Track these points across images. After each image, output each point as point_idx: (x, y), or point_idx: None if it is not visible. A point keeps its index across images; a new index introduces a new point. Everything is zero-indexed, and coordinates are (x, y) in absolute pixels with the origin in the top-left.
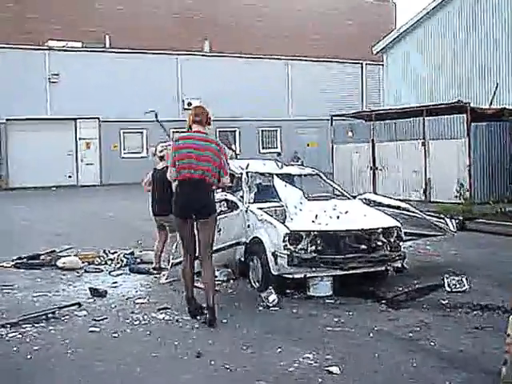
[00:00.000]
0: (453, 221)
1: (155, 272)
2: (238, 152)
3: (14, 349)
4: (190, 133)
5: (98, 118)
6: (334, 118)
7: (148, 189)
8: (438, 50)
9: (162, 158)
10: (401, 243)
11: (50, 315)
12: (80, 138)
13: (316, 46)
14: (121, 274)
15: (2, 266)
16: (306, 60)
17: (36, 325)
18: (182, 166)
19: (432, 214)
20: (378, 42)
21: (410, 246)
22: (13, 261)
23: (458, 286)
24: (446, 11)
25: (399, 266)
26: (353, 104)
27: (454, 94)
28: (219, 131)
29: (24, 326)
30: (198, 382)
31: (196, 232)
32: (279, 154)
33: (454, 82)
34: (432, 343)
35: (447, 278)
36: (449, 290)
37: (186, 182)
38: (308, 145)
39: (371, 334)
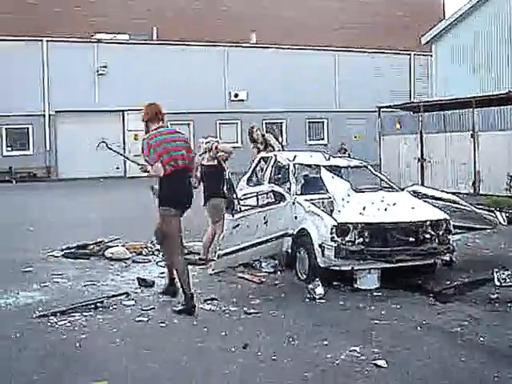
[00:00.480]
0: (503, 214)
1: (201, 263)
2: (284, 144)
3: (64, 336)
4: (160, 129)
5: None
6: (381, 109)
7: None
8: (489, 39)
9: (206, 151)
10: (449, 236)
11: (98, 304)
12: (128, 130)
13: (364, 36)
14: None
15: (52, 256)
16: (353, 51)
17: (85, 313)
18: (166, 160)
19: (481, 206)
20: (427, 32)
21: (459, 239)
22: (62, 250)
23: (507, 280)
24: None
25: (448, 259)
26: (400, 95)
27: (505, 85)
28: (266, 123)
29: (73, 314)
30: (244, 373)
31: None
32: (325, 145)
33: (506, 72)
34: (481, 338)
35: (497, 272)
36: (498, 284)
37: (174, 174)
38: (355, 137)
39: (419, 328)
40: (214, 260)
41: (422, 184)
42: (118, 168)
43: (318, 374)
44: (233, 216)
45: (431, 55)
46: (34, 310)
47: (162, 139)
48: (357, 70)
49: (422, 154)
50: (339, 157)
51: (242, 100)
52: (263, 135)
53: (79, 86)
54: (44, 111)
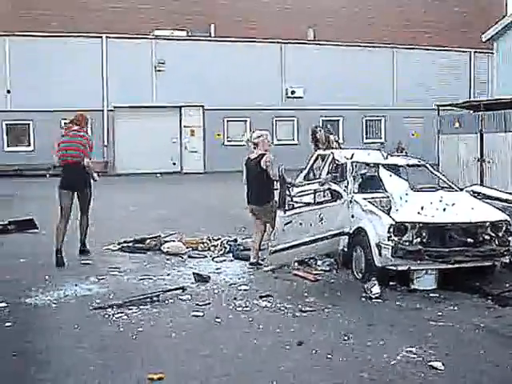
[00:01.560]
0: None
1: (252, 267)
2: (340, 141)
3: (120, 329)
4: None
5: (203, 106)
6: (440, 107)
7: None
8: None
9: (256, 146)
10: (509, 238)
11: (154, 298)
12: (185, 126)
13: (423, 33)
14: (224, 261)
15: (109, 249)
16: (412, 48)
17: (141, 307)
18: (62, 154)
19: None
20: (488, 29)
21: None
22: (119, 244)
23: None
24: None
25: (507, 261)
26: (460, 94)
27: None
28: (323, 120)
29: (130, 307)
30: (299, 371)
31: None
32: (382, 143)
33: None
34: None
35: None
36: None
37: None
38: (413, 134)
39: (476, 331)
40: (263, 262)
41: (482, 185)
42: (174, 164)
43: (374, 374)
44: (284, 213)
45: (492, 53)
46: (92, 303)
47: (63, 140)
48: (416, 68)
49: (481, 154)
50: (397, 155)
51: (299, 97)
52: (327, 136)
53: (137, 81)
54: (103, 107)
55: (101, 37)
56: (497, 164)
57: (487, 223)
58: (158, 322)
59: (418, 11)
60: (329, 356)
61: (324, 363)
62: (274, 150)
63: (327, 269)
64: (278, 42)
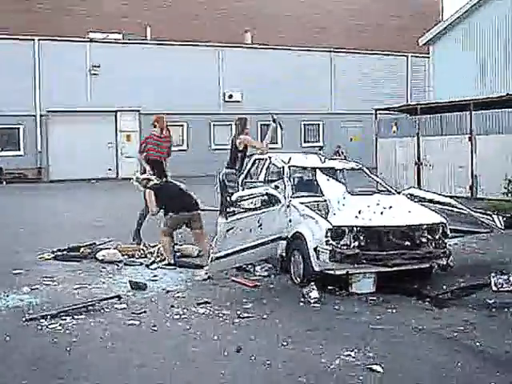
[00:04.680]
0: (500, 217)
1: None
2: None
3: (54, 340)
4: None
5: (139, 111)
6: (378, 111)
7: None
8: (487, 41)
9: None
10: (446, 240)
11: (89, 307)
12: (120, 131)
13: (361, 37)
14: (159, 268)
15: (43, 258)
16: (350, 52)
17: (76, 317)
18: None
19: (478, 210)
20: (425, 33)
21: (456, 243)
22: (53, 253)
23: (504, 285)
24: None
25: (444, 263)
26: (397, 97)
27: (504, 88)
28: (261, 124)
29: (64, 317)
30: (237, 378)
31: None
32: (321, 147)
33: (505, 74)
34: (477, 343)
35: (494, 276)
36: (495, 289)
37: None
38: (351, 139)
39: (414, 333)
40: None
41: (419, 187)
42: (110, 169)
43: (313, 380)
44: (226, 219)
45: (429, 57)
46: (24, 313)
47: None
48: (353, 72)
49: (418, 157)
50: (334, 159)
51: (237, 101)
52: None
53: (71, 85)
54: (35, 111)
55: (33, 39)
56: (433, 167)
57: (424, 226)
58: (93, 332)
59: (355, 15)
60: (267, 362)
61: (263, 369)
62: (214, 154)
63: (266, 274)
64: (215, 46)
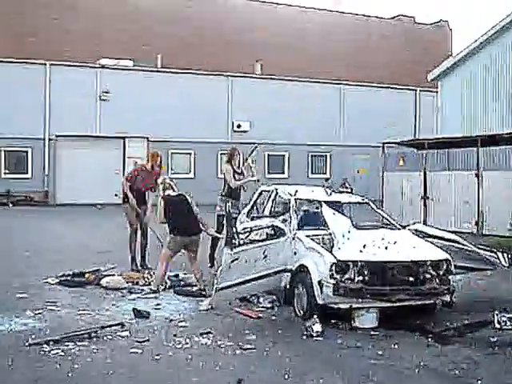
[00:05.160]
0: (505, 255)
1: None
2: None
3: (57, 366)
4: None
5: (147, 138)
6: (385, 145)
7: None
8: (496, 78)
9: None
10: (450, 277)
11: (92, 334)
12: (128, 157)
13: (370, 70)
14: (156, 298)
15: (47, 283)
16: (359, 85)
17: (78, 343)
18: None
19: (483, 247)
20: (434, 68)
21: (460, 280)
22: (57, 278)
23: (508, 323)
24: (507, 37)
25: (448, 299)
26: (405, 132)
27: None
28: (268, 155)
29: (66, 343)
30: None
31: None
32: (327, 179)
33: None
34: (479, 382)
35: (497, 314)
36: (498, 327)
37: None
38: (358, 171)
39: (417, 369)
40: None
41: (425, 222)
42: (116, 195)
43: None
44: (231, 250)
45: (437, 92)
46: (27, 338)
47: None
48: (362, 105)
49: (425, 192)
50: (341, 192)
51: (245, 131)
52: (245, 159)
53: (81, 110)
54: (44, 135)
55: (45, 64)
56: (440, 202)
57: (428, 262)
58: (96, 359)
59: (365, 49)
60: None
61: None
62: (219, 184)
63: (269, 306)
64: (225, 75)
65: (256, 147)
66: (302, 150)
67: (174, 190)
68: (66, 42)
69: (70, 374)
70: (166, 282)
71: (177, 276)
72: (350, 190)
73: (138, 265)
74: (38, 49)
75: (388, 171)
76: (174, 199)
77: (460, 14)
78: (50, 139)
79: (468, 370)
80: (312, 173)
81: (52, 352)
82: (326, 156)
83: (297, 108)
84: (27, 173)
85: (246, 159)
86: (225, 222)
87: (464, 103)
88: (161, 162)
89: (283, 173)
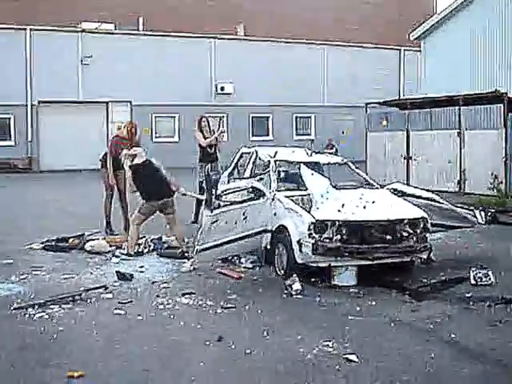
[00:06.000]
0: (482, 213)
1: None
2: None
3: (41, 328)
4: None
5: (130, 102)
6: (368, 105)
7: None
8: (480, 37)
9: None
10: (427, 234)
11: (76, 297)
12: (112, 122)
13: (353, 31)
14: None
15: (32, 248)
16: (342, 45)
17: (63, 306)
18: None
19: (461, 205)
20: (416, 27)
21: (438, 238)
22: (42, 243)
23: (483, 279)
24: None
25: (425, 257)
26: (390, 91)
27: (497, 83)
28: (252, 117)
29: (51, 306)
30: (217, 365)
31: None
32: (312, 140)
33: (498, 71)
34: (452, 335)
35: (473, 271)
36: (474, 283)
37: None
38: (343, 132)
39: (392, 324)
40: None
41: (408, 182)
42: (100, 160)
43: (289, 368)
44: (211, 211)
45: (421, 51)
46: (13, 302)
47: None
48: (345, 65)
49: (408, 152)
50: (321, 153)
51: (229, 93)
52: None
53: (63, 76)
54: (26, 101)
55: (24, 29)
56: (422, 162)
57: (405, 220)
58: (80, 321)
59: (347, 9)
60: (247, 351)
61: (242, 358)
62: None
63: (250, 266)
64: (207, 37)
65: (221, 119)
66: (287, 112)
67: (141, 157)
68: (44, 5)
69: (54, 337)
70: (150, 245)
71: (160, 239)
72: (334, 151)
73: (113, 228)
74: (17, 13)
75: (371, 131)
76: (141, 167)
77: None
78: (32, 105)
79: (442, 324)
80: (297, 134)
81: (37, 315)
82: (310, 117)
83: (280, 69)
84: (10, 140)
85: (213, 131)
86: (204, 184)
87: (447, 62)
88: (135, 129)
89: (268, 135)
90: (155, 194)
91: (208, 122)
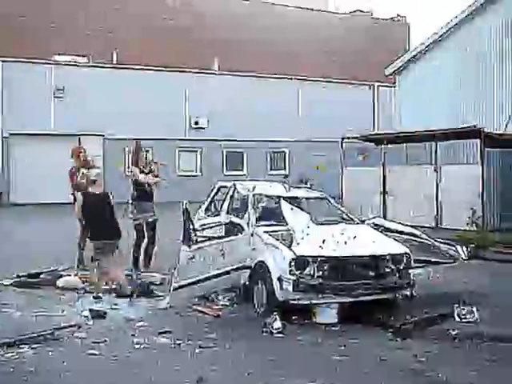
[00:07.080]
0: (464, 248)
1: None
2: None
3: (11, 369)
4: None
5: (103, 135)
6: (344, 140)
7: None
8: (453, 74)
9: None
10: (410, 270)
11: (48, 336)
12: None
13: (327, 66)
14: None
15: (2, 285)
16: (317, 81)
17: (34, 345)
18: None
19: (442, 240)
20: (391, 63)
21: (420, 274)
22: (12, 279)
23: (467, 316)
24: (463, 32)
25: (408, 293)
26: (364, 127)
27: (468, 119)
28: (227, 152)
29: (21, 346)
30: None
31: None
32: (286, 176)
33: (470, 106)
34: (439, 375)
35: (457, 307)
36: (458, 320)
37: None
38: (317, 167)
39: (378, 365)
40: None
41: (384, 217)
42: (72, 194)
43: None
44: (189, 247)
45: (395, 87)
46: None
47: None
48: (320, 100)
49: (384, 187)
50: (299, 188)
51: (203, 128)
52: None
53: (35, 108)
54: None
55: None
56: (399, 197)
57: (388, 256)
58: (52, 362)
59: (323, 45)
60: None
61: None
62: (179, 180)
63: (228, 303)
64: (182, 71)
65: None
66: (261, 147)
67: (99, 187)
68: (17, 36)
69: (25, 378)
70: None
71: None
72: (309, 186)
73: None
74: None
75: (347, 166)
76: (95, 198)
77: (418, 10)
78: (3, 137)
79: (428, 364)
80: (271, 169)
81: (6, 355)
82: (284, 153)
83: (255, 104)
84: None
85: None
86: (182, 218)
87: (421, 98)
88: (83, 151)
89: (242, 170)
90: (101, 232)
91: (144, 152)
